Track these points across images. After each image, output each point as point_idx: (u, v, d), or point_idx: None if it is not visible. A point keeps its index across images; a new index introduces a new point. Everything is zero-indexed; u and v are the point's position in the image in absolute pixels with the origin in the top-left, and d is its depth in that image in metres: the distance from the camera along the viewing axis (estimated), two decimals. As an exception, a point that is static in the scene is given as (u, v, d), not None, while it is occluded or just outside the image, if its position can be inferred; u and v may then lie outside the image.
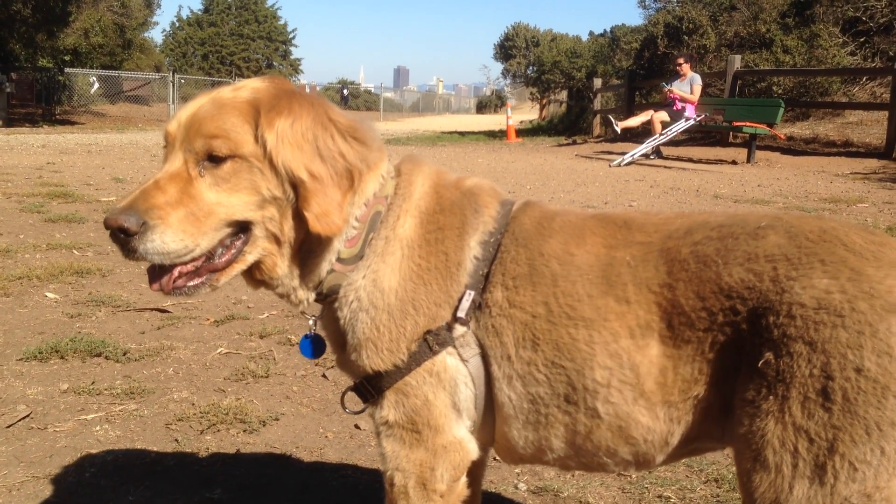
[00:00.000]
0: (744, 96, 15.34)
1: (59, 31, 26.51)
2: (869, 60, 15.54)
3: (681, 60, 14.42)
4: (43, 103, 27.36)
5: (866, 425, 1.23)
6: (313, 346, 1.72)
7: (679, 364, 1.41)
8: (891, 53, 14.68)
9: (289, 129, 1.45)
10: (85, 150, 14.72)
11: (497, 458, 2.28)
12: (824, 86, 15.19)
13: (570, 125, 24.93)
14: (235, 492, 2.43)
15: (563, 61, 29.56)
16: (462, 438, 1.57)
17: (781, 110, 12.77)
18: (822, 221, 1.41)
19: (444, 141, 21.16)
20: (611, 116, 16.31)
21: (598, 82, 22.48)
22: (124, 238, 1.40)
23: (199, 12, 52.42)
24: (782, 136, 13.40)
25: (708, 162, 13.09)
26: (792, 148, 13.63)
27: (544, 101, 34.21)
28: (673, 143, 14.19)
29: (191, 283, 1.49)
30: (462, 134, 24.34)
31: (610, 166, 12.54)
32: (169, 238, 1.41)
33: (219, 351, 3.72)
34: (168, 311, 4.30)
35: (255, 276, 1.57)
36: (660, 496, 2.39)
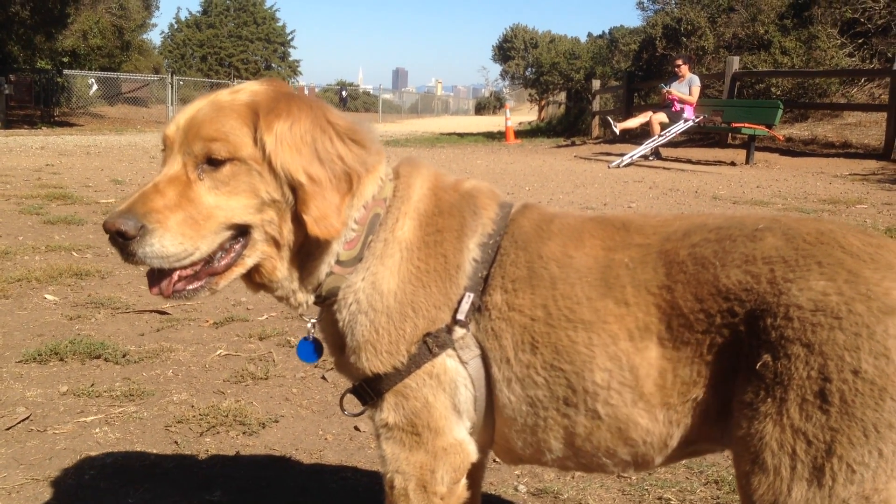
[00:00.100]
0: (742, 97, 15.35)
1: (57, 32, 26.53)
2: (867, 62, 15.56)
3: (679, 62, 14.44)
4: (41, 105, 27.37)
5: (864, 427, 1.23)
6: (311, 350, 1.72)
7: (678, 366, 1.41)
8: (889, 55, 14.69)
9: (287, 132, 1.46)
10: (84, 151, 14.72)
11: (497, 459, 2.28)
12: (823, 87, 15.20)
13: (568, 126, 24.95)
14: (235, 494, 2.43)
15: (562, 63, 29.61)
16: (462, 440, 1.57)
17: (780, 111, 12.79)
18: (820, 223, 1.42)
19: (443, 142, 21.18)
20: (609, 118, 16.32)
21: (596, 84, 22.51)
22: (123, 242, 1.40)
23: (198, 14, 52.47)
24: (781, 138, 13.41)
25: (707, 163, 13.10)
26: (790, 149, 13.64)
27: (543, 103, 34.26)
28: (672, 144, 14.20)
29: (190, 287, 1.49)
30: (461, 135, 24.36)
31: (609, 167, 12.55)
32: (168, 242, 1.41)
33: (218, 353, 3.72)
34: (167, 313, 4.30)
35: (255, 279, 1.57)
36: (660, 498, 2.40)
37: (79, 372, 3.43)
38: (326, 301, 1.60)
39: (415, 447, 1.55)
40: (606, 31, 29.46)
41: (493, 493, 2.44)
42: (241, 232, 1.49)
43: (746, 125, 12.71)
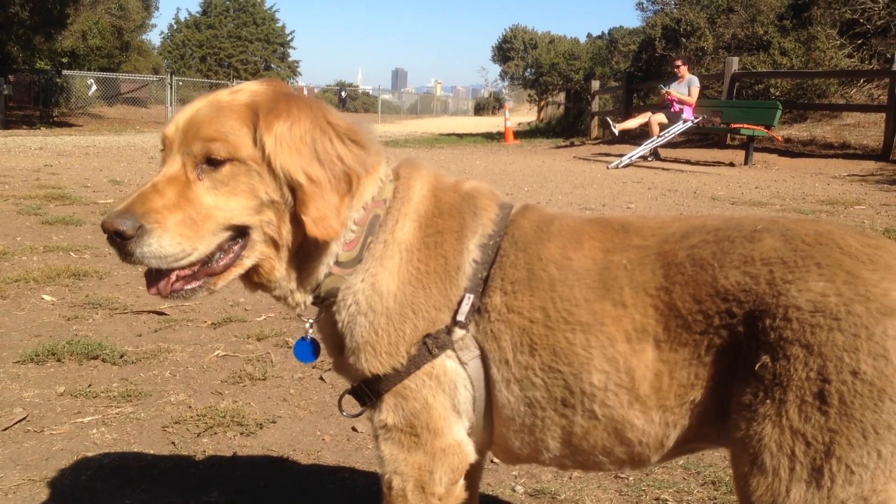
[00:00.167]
0: (741, 98, 15.37)
1: (56, 33, 26.53)
2: (866, 63, 15.57)
3: (678, 62, 14.45)
4: (40, 105, 27.35)
5: (863, 429, 1.23)
6: (308, 350, 1.72)
7: (675, 368, 1.41)
8: (888, 55, 14.69)
9: (287, 133, 1.45)
10: (82, 152, 14.71)
11: (494, 460, 2.28)
12: (822, 88, 15.23)
13: (567, 127, 24.97)
14: (232, 495, 2.43)
15: (561, 63, 29.63)
16: (461, 441, 1.57)
17: (779, 112, 12.80)
18: (818, 224, 1.42)
19: (442, 143, 21.18)
20: (609, 118, 16.34)
21: (595, 84, 22.53)
22: (121, 242, 1.40)
23: (197, 14, 52.47)
24: (780, 138, 13.43)
25: (705, 164, 13.12)
26: (789, 150, 13.65)
27: (542, 103, 34.28)
28: (671, 144, 14.21)
29: (188, 287, 1.49)
30: (460, 136, 24.36)
31: (608, 168, 12.55)
32: (166, 242, 1.41)
33: (216, 353, 3.71)
34: (165, 314, 4.29)
35: (253, 279, 1.57)
36: (657, 499, 2.39)
37: (76, 372, 3.42)
38: (325, 302, 1.60)
39: (413, 448, 1.55)
40: (606, 32, 29.49)
41: (491, 493, 2.43)
42: (240, 233, 1.49)
43: (745, 126, 12.72)
